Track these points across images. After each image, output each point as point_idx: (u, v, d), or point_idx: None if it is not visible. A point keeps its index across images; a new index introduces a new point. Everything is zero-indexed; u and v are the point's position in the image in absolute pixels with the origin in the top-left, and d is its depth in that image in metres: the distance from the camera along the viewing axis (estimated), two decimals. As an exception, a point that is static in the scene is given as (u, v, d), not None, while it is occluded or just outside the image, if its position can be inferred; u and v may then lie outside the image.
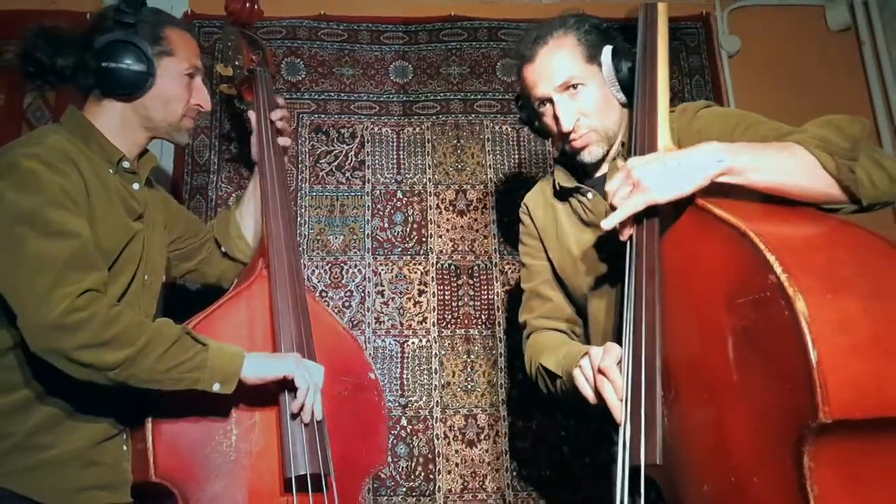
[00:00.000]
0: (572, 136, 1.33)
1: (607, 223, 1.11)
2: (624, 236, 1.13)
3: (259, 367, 1.23)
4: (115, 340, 1.12)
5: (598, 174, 1.41)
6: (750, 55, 2.36)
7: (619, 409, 1.04)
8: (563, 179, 1.43)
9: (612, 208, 1.12)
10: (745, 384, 0.89)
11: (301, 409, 1.27)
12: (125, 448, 1.29)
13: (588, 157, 1.35)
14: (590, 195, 1.38)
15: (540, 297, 1.47)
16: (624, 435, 1.01)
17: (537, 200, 1.52)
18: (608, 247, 1.33)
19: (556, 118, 1.34)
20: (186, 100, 1.41)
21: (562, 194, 1.44)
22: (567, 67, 1.32)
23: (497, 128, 2.24)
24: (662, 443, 0.97)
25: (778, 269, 0.83)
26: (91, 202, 1.24)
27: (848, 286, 0.84)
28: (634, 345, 1.04)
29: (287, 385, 1.28)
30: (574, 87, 1.32)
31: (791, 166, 1.03)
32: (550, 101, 1.34)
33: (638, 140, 1.20)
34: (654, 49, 1.26)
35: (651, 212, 1.10)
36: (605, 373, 1.08)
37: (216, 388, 1.19)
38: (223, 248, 1.66)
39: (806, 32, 2.41)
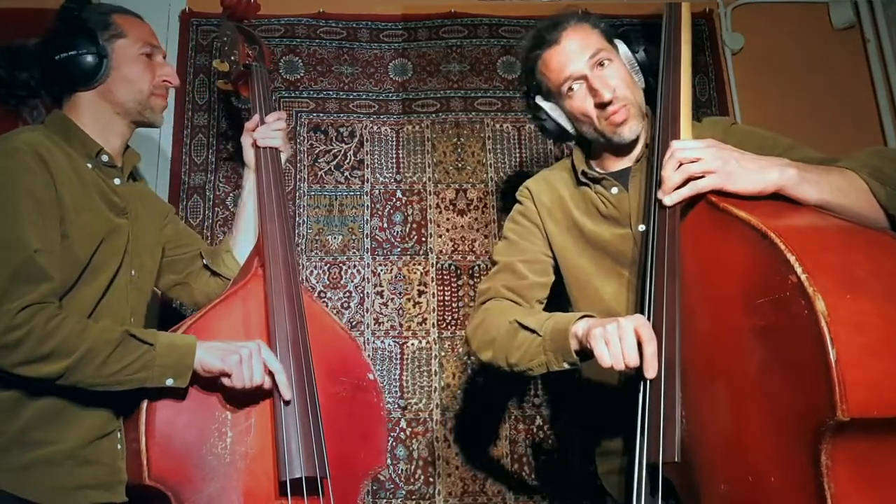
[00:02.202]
0: (611, 108, 1.31)
1: (670, 200, 1.11)
2: (671, 202, 1.12)
3: (205, 359, 1.20)
4: (53, 354, 1.12)
5: (616, 169, 1.40)
6: (754, 52, 2.34)
7: (656, 364, 1.02)
8: (587, 167, 1.42)
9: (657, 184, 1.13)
10: (762, 383, 0.89)
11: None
12: (120, 447, 1.27)
13: (628, 132, 1.33)
14: (615, 190, 1.36)
15: (513, 272, 1.42)
16: (641, 433, 1.01)
17: (542, 187, 1.49)
18: (626, 243, 1.33)
19: (593, 91, 1.32)
20: (150, 78, 1.41)
21: (582, 181, 1.42)
22: (593, 42, 1.34)
23: (498, 126, 2.22)
24: (681, 440, 0.97)
25: (798, 269, 0.84)
26: (61, 197, 1.23)
27: (864, 287, 0.85)
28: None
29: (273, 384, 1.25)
30: (603, 63, 1.33)
31: (846, 189, 1.06)
32: (583, 77, 1.33)
33: (661, 145, 1.20)
34: (678, 52, 1.28)
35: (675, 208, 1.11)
36: (641, 337, 1.04)
37: (169, 383, 1.18)
38: (205, 260, 1.60)
39: (810, 30, 2.39)
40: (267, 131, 1.59)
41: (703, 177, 1.07)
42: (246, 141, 1.63)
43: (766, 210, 0.99)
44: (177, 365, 1.18)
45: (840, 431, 0.79)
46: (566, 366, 1.18)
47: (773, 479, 0.87)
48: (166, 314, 1.93)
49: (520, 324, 1.25)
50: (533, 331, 1.21)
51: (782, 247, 0.87)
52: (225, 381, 1.22)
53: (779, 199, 1.06)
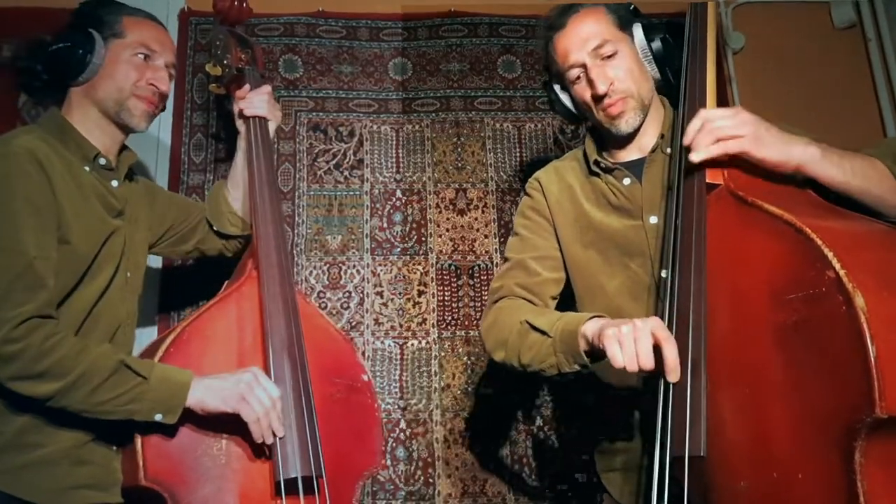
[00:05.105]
0: (607, 100, 1.31)
1: (696, 156, 1.11)
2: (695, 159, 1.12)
3: (205, 400, 1.18)
4: (46, 373, 1.11)
5: (628, 160, 1.39)
6: (754, 52, 2.33)
7: (678, 367, 1.01)
8: (599, 157, 1.40)
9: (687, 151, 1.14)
10: (792, 379, 0.89)
11: (262, 437, 1.21)
12: (115, 447, 1.27)
13: (625, 125, 1.33)
14: (626, 181, 1.35)
15: (525, 270, 1.41)
16: (664, 428, 1.01)
17: (551, 178, 1.48)
18: (636, 234, 1.32)
19: (590, 82, 1.32)
20: (135, 79, 1.39)
21: (594, 171, 1.40)
22: (600, 31, 1.33)
23: (498, 125, 2.21)
24: (706, 434, 0.96)
25: (836, 264, 0.84)
26: (59, 202, 1.23)
27: None
28: (678, 334, 1.03)
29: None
30: (608, 53, 1.31)
31: (870, 173, 1.08)
32: (584, 66, 1.33)
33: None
34: (703, 48, 1.28)
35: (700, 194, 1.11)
36: (660, 339, 1.02)
37: (158, 418, 1.16)
38: (215, 227, 1.65)
39: (811, 29, 2.39)
40: (252, 100, 1.60)
41: (731, 139, 1.08)
42: (238, 123, 1.65)
43: (795, 207, 0.98)
44: (168, 401, 1.17)
45: (876, 429, 0.79)
46: (577, 367, 1.17)
47: (800, 475, 0.87)
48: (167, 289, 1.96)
49: (530, 324, 1.24)
50: (543, 332, 1.20)
51: (819, 242, 0.87)
52: (250, 426, 1.20)
53: (804, 190, 1.07)
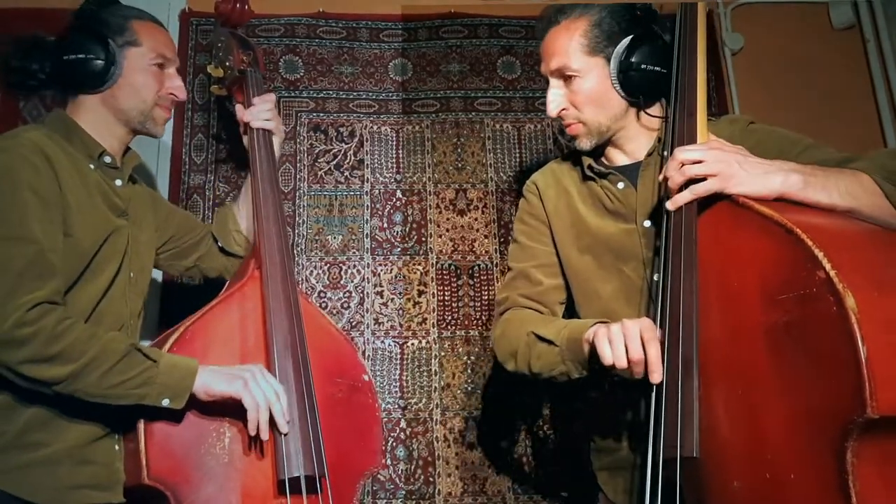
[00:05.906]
0: (563, 121, 1.36)
1: (670, 205, 1.12)
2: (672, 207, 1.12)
3: (210, 383, 1.20)
4: (59, 357, 1.12)
5: (623, 164, 1.39)
6: (753, 53, 2.33)
7: (661, 367, 1.03)
8: (593, 161, 1.41)
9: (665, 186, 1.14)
10: (784, 379, 0.89)
11: (258, 429, 1.22)
12: (117, 448, 1.28)
13: (578, 145, 1.37)
14: (621, 185, 1.35)
15: (528, 279, 1.42)
16: (657, 428, 1.01)
17: (548, 181, 1.49)
18: (630, 238, 1.32)
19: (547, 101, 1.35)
20: (156, 89, 1.41)
21: (589, 176, 1.41)
22: (563, 56, 1.31)
23: (498, 126, 2.22)
24: (698, 435, 0.97)
25: (827, 265, 0.83)
26: (65, 195, 1.24)
27: (892, 286, 0.85)
28: (671, 335, 1.04)
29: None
30: (567, 77, 1.31)
31: (857, 192, 1.05)
32: (548, 81, 1.36)
33: (677, 141, 1.20)
34: (694, 49, 1.26)
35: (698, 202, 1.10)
36: (645, 340, 1.05)
37: (165, 402, 1.17)
38: (220, 243, 1.65)
39: (809, 30, 2.39)
40: (259, 112, 1.60)
41: (703, 179, 1.07)
42: (242, 127, 1.65)
43: (787, 208, 0.98)
44: (176, 386, 1.18)
45: (867, 430, 0.79)
46: (585, 373, 1.19)
47: (792, 475, 0.87)
48: (168, 302, 1.96)
49: (536, 335, 1.26)
50: (550, 342, 1.23)
51: (809, 242, 0.86)
52: (249, 413, 1.21)
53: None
